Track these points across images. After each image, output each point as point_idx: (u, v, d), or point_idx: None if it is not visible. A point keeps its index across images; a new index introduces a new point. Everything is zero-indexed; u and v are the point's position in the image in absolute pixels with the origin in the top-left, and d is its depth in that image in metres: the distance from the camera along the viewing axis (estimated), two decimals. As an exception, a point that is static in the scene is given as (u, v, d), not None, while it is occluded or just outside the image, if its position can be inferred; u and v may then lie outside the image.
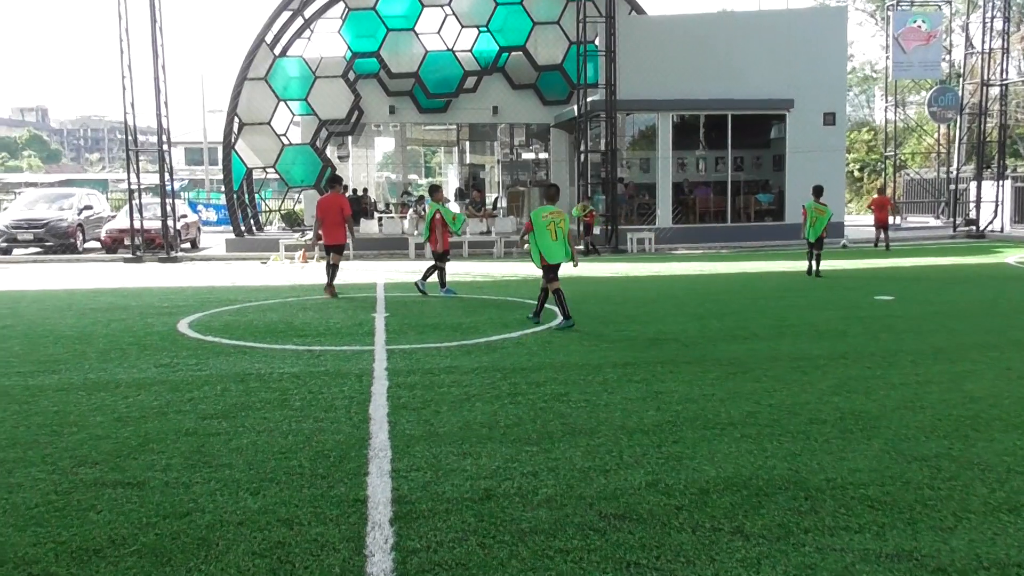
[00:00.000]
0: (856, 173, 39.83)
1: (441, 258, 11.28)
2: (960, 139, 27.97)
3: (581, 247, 18.16)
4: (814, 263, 13.02)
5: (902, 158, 31.90)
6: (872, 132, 40.99)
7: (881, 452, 4.23)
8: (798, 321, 8.51)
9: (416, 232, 20.32)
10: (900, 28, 24.90)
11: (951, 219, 25.18)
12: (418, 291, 11.14)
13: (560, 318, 8.33)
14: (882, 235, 19.52)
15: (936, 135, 31.57)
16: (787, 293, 11.01)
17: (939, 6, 27.46)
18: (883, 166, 30.06)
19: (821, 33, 21.17)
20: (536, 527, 3.34)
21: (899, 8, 25.81)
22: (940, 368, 6.18)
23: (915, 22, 24.96)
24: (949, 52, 31.58)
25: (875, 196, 20.10)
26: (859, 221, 31.20)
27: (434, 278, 11.24)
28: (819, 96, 20.88)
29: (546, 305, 8.71)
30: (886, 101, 29.13)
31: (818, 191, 13.44)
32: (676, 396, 5.41)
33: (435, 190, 12.59)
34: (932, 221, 28.54)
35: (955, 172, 26.84)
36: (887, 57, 25.88)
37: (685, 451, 4.28)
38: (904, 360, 6.47)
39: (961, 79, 27.64)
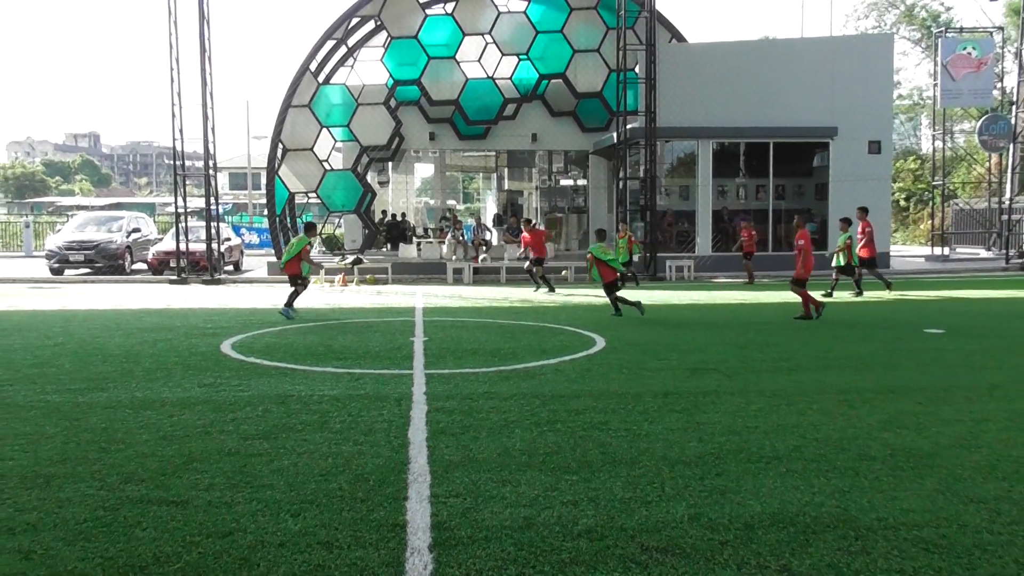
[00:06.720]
0: (902, 203, 39.07)
1: (295, 281, 11.90)
2: (1013, 168, 27.27)
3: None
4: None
5: (951, 187, 31.22)
6: (919, 161, 40.24)
7: (935, 492, 4.07)
8: (844, 353, 8.31)
9: (454, 257, 20.47)
10: (949, 55, 24.48)
11: (1003, 251, 24.48)
12: (286, 317, 11.41)
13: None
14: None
15: (987, 164, 30.85)
16: (831, 324, 10.77)
17: (990, 32, 26.96)
18: (930, 195, 29.44)
19: (866, 60, 20.94)
20: (576, 558, 3.29)
21: (947, 35, 25.41)
22: (997, 406, 5.95)
23: (965, 49, 24.51)
24: (1001, 79, 30.94)
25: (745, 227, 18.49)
26: (905, 251, 30.53)
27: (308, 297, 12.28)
28: (864, 124, 20.61)
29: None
30: (934, 129, 28.60)
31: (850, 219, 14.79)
32: (719, 427, 5.31)
33: (310, 228, 13.28)
34: (983, 252, 27.77)
35: (1007, 202, 26.12)
36: (935, 85, 25.44)
37: (729, 484, 4.18)
38: (957, 396, 6.26)
39: (1014, 107, 27.02)
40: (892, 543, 3.44)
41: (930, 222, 30.00)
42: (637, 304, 11.44)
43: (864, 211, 15.13)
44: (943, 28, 28.28)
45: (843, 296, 14.33)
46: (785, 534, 3.52)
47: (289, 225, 23.77)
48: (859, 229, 14.70)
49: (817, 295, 13.58)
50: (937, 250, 26.24)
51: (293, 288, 11.86)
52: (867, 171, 20.58)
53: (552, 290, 16.25)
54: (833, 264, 14.62)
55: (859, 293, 14.63)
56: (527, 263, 16.93)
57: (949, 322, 10.86)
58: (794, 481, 4.23)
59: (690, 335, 9.79)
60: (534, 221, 18.22)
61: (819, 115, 20.55)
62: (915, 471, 4.41)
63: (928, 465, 4.51)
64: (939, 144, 27.53)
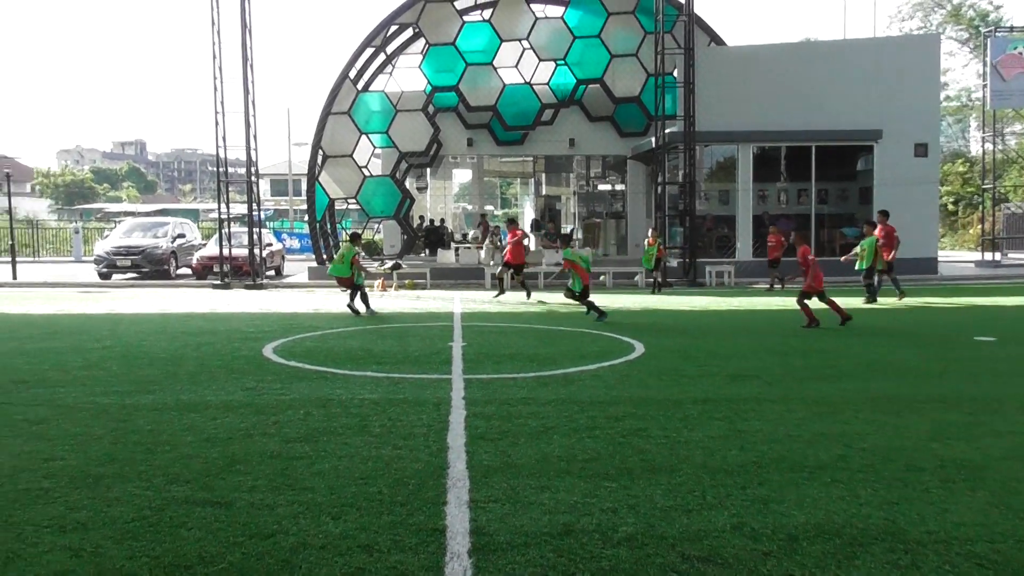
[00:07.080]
0: (950, 207, 38.07)
1: (355, 286, 13.06)
2: (1066, 171, 26.36)
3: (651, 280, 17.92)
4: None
5: (1002, 191, 30.30)
6: (967, 164, 39.16)
7: (988, 505, 3.94)
8: (889, 360, 8.10)
9: (492, 263, 20.52)
10: (999, 55, 23.79)
11: (1057, 256, 23.66)
12: (370, 313, 12.73)
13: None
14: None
15: (1039, 167, 29.89)
16: (875, 331, 10.52)
17: (1042, 32, 26.12)
18: (980, 199, 28.61)
19: (912, 61, 20.48)
20: (616, 566, 3.26)
21: (997, 34, 24.69)
22: (1051, 415, 5.74)
23: (1015, 48, 23.80)
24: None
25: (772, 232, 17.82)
26: (954, 257, 29.70)
27: (365, 295, 13.11)
28: (910, 126, 20.14)
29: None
30: (983, 131, 27.81)
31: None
32: (760, 436, 5.22)
33: (356, 237, 14.62)
34: (1035, 257, 26.88)
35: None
36: (984, 85, 24.73)
37: (772, 494, 4.10)
38: (1010, 407, 6.05)
39: (1066, 108, 26.14)
40: (943, 557, 3.33)
41: (980, 227, 29.15)
42: (585, 304, 12.02)
43: (885, 215, 14.82)
44: (992, 27, 27.46)
45: (887, 300, 14.00)
46: (831, 546, 3.44)
47: (329, 231, 24.10)
48: (877, 233, 14.30)
49: (859, 302, 13.32)
50: (987, 255, 25.48)
51: (359, 291, 12.90)
52: (913, 174, 20.10)
53: (501, 294, 15.87)
54: (857, 267, 14.29)
55: (901, 296, 14.30)
56: (499, 269, 16.39)
57: (1001, 329, 10.52)
58: (839, 492, 4.13)
59: (730, 342, 9.65)
60: (518, 221, 17.65)
61: (863, 117, 20.14)
62: (966, 483, 4.27)
63: (980, 477, 4.36)
64: (989, 146, 26.76)
